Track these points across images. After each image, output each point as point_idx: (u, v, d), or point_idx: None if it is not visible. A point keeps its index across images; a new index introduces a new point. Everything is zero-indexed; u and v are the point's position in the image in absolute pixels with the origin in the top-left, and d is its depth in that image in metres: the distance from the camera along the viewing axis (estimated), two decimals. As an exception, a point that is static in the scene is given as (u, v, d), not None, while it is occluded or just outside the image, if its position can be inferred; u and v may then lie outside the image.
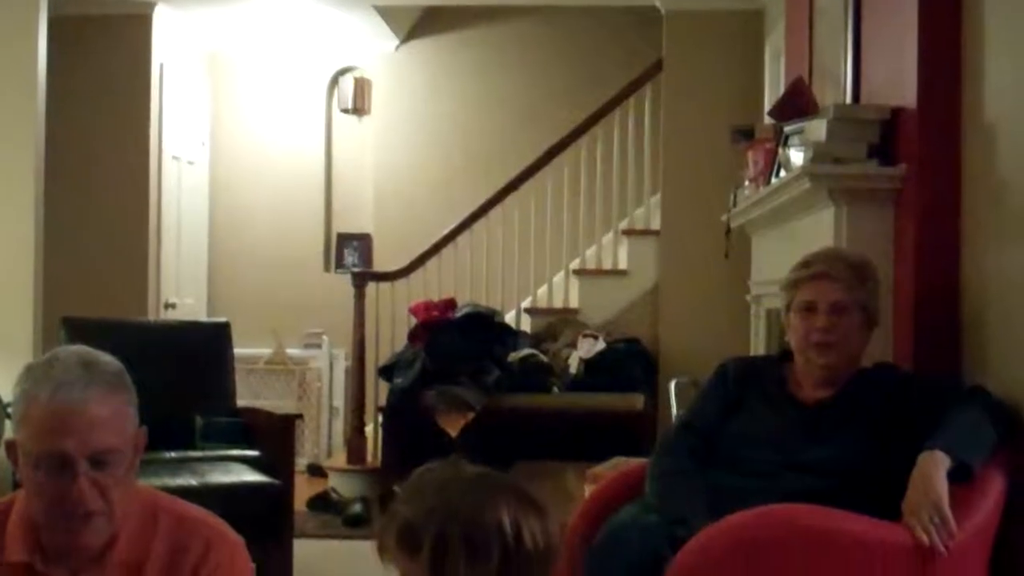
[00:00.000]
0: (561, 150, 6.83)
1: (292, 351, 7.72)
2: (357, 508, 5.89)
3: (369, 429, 6.76)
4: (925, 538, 2.34)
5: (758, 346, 4.95)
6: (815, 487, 2.58)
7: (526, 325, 6.85)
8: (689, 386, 5.08)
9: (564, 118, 6.97)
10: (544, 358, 6.25)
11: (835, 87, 4.01)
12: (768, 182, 4.21)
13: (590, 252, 6.98)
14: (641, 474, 2.87)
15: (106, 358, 1.83)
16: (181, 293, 7.31)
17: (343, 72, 8.00)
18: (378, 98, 7.94)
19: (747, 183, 4.65)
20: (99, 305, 5.95)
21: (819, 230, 3.51)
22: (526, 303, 6.99)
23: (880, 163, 3.31)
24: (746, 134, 4.74)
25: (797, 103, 3.94)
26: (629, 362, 6.21)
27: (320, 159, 8.00)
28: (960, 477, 2.44)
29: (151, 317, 6.74)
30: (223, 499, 3.60)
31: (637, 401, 6.02)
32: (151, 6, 6.83)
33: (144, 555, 1.84)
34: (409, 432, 6.02)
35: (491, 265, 6.90)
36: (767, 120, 4.64)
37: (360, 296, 6.70)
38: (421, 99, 7.90)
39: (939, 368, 3.02)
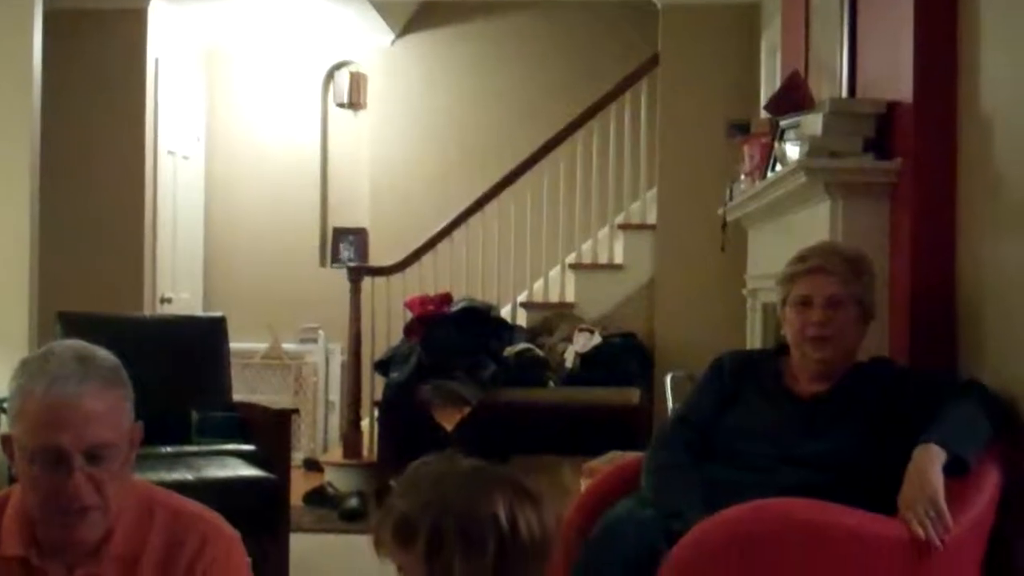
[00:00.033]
0: (557, 144, 6.82)
1: (288, 346, 7.72)
2: (353, 502, 5.89)
3: (365, 423, 6.76)
4: (921, 532, 2.35)
5: (754, 340, 4.96)
6: (811, 481, 2.58)
7: (522, 319, 6.85)
8: (685, 380, 5.08)
9: (560, 112, 6.97)
10: (540, 352, 6.26)
11: (831, 81, 4.01)
12: (764, 176, 4.22)
13: (586, 246, 6.99)
14: (637, 468, 2.87)
15: (102, 353, 1.83)
16: (177, 288, 7.31)
17: (339, 66, 7.99)
18: (374, 92, 7.94)
19: (743, 177, 4.65)
20: (95, 300, 5.95)
21: (815, 224, 3.52)
22: (522, 297, 6.99)
23: (876, 157, 3.31)
24: (742, 128, 4.75)
25: (793, 97, 3.95)
26: (625, 356, 6.21)
27: (316, 154, 7.99)
28: (956, 471, 2.45)
29: (147, 312, 6.74)
30: (219, 493, 3.60)
31: (633, 395, 6.02)
32: (146, 0, 6.82)
33: (140, 549, 1.84)
34: (405, 426, 6.02)
35: (487, 259, 6.90)
36: (763, 114, 4.64)
37: (356, 290, 6.70)
38: (417, 93, 7.90)
39: (935, 362, 3.02)
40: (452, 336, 6.15)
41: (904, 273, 3.16)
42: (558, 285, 6.95)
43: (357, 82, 7.89)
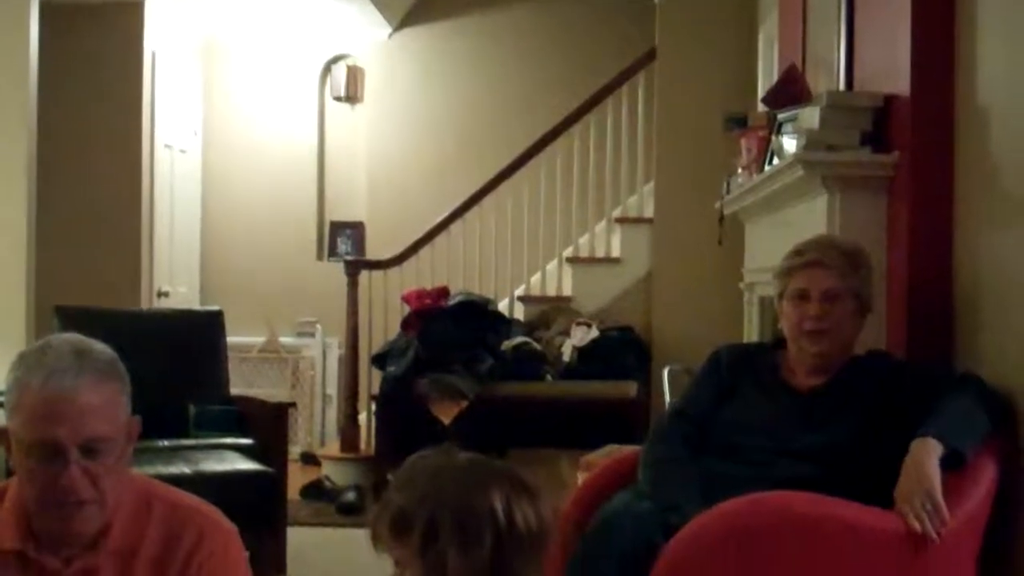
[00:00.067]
0: (554, 138, 6.82)
1: (285, 339, 7.72)
2: (350, 496, 5.89)
3: (362, 417, 6.76)
4: (917, 525, 2.35)
5: (751, 333, 4.96)
6: (808, 474, 2.58)
7: (519, 313, 6.85)
8: (682, 374, 5.09)
9: (557, 106, 6.96)
10: (537, 346, 6.26)
11: (828, 74, 4.00)
12: (761, 170, 4.21)
13: (583, 240, 6.99)
14: (634, 462, 2.87)
15: (99, 346, 1.83)
16: (174, 282, 7.30)
17: (336, 60, 7.98)
18: (371, 86, 7.93)
19: (740, 171, 4.65)
20: (92, 294, 5.94)
21: (812, 217, 3.52)
22: (519, 291, 6.99)
23: (873, 150, 3.31)
24: (739, 122, 4.74)
25: (790, 90, 3.95)
26: (622, 350, 6.21)
27: (313, 147, 7.99)
28: (952, 464, 2.45)
29: (144, 306, 6.73)
30: (216, 487, 3.61)
31: (630, 389, 6.02)
32: (143, -7, 6.82)
33: (138, 543, 1.84)
34: (402, 420, 6.02)
35: (484, 253, 6.90)
36: (760, 108, 4.64)
37: (353, 284, 6.70)
38: (414, 87, 7.89)
39: (932, 355, 3.02)
40: (449, 330, 6.15)
41: (901, 266, 3.16)
42: (555, 279, 6.94)
43: (354, 76, 7.88)
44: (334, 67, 7.96)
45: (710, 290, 6.12)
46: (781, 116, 3.89)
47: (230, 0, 7.27)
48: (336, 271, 6.99)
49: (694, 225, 6.08)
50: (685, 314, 6.34)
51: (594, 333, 6.19)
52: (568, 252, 6.97)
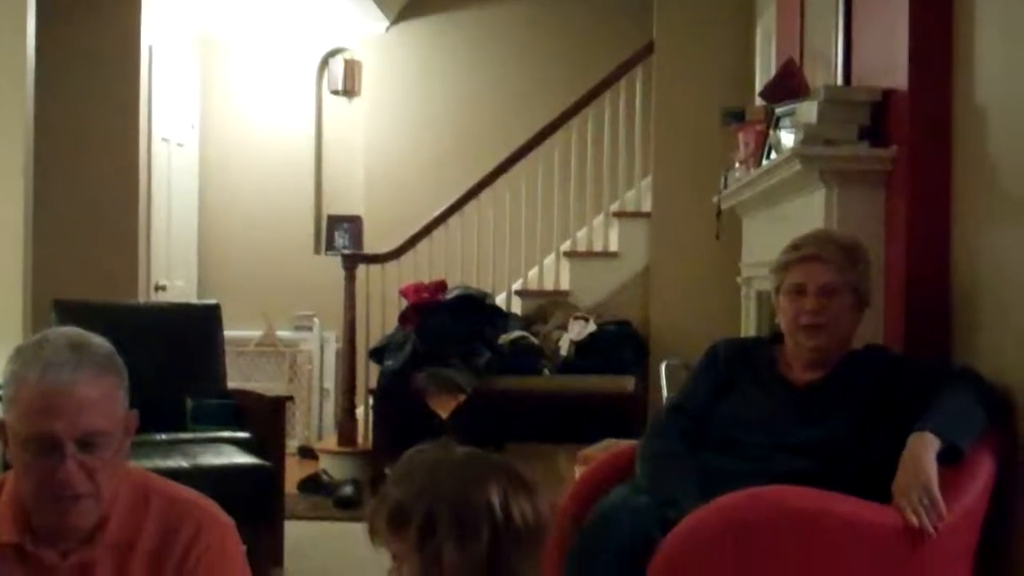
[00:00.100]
0: (552, 132, 6.82)
1: (283, 333, 7.72)
2: (348, 490, 5.89)
3: (360, 411, 6.76)
4: (915, 519, 2.35)
5: (749, 328, 4.96)
6: (805, 469, 2.58)
7: (517, 307, 6.85)
8: (680, 368, 5.09)
9: (555, 100, 6.95)
10: (535, 340, 6.26)
11: (826, 69, 4.00)
12: (759, 164, 4.21)
13: (581, 234, 6.98)
14: (632, 456, 2.87)
15: (96, 340, 1.83)
16: (171, 275, 7.29)
17: (333, 53, 7.98)
18: (368, 80, 7.92)
19: (738, 165, 4.65)
20: (89, 287, 5.93)
21: (810, 212, 3.51)
22: (517, 285, 6.99)
23: (871, 145, 3.31)
24: (737, 116, 4.74)
25: (788, 85, 3.94)
26: (620, 344, 6.22)
27: (310, 141, 7.98)
28: (950, 459, 2.45)
29: (141, 299, 6.72)
30: (214, 481, 3.60)
31: (628, 383, 6.03)
32: (140, -13, 6.80)
33: (135, 536, 1.84)
34: (400, 414, 6.02)
35: (482, 247, 6.89)
36: (758, 102, 4.64)
37: (351, 278, 6.69)
38: (411, 81, 7.88)
39: (929, 349, 3.02)
40: (447, 324, 6.15)
41: (899, 261, 3.16)
42: (553, 273, 6.94)
43: (352, 69, 7.87)
44: (331, 61, 7.95)
45: (708, 284, 6.12)
46: (779, 110, 3.89)
47: (227, -7, 7.27)
48: (334, 265, 6.98)
49: (692, 219, 6.08)
50: (683, 308, 6.34)
51: (592, 327, 6.19)
52: (566, 246, 6.96)
